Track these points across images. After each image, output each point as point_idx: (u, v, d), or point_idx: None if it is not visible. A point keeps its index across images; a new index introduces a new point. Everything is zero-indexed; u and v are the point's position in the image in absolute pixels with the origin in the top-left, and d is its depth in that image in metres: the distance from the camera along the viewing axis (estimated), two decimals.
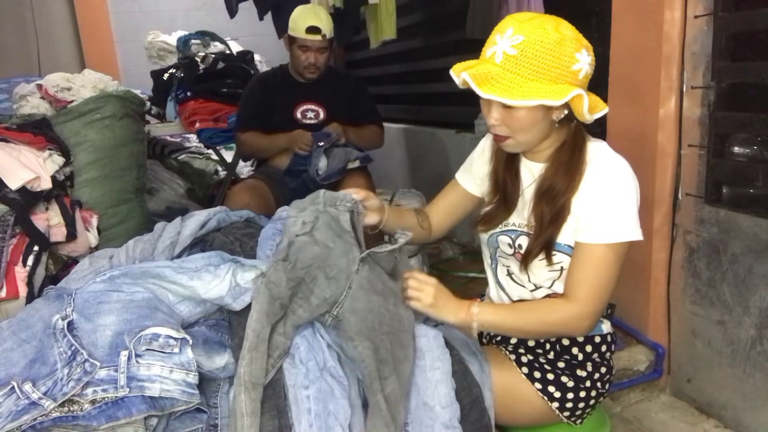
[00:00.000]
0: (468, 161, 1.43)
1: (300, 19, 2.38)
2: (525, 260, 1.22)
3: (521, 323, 1.18)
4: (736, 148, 1.60)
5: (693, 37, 1.64)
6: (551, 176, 1.19)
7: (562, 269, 1.21)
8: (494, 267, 1.34)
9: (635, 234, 1.15)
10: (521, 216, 1.25)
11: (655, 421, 1.73)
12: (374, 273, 1.14)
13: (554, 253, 1.20)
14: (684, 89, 1.68)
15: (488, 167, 1.34)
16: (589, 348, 1.26)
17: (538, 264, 1.22)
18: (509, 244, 1.27)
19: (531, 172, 1.24)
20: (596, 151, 1.20)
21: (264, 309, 1.03)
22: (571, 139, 1.19)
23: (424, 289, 1.14)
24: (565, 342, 1.26)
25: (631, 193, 1.16)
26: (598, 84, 1.97)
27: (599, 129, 1.98)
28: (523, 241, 1.23)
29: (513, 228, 1.26)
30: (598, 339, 1.27)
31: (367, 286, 1.11)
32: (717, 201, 1.64)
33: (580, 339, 1.26)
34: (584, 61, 1.07)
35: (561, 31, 1.06)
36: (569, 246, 1.19)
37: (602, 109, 1.12)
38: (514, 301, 1.30)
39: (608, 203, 1.14)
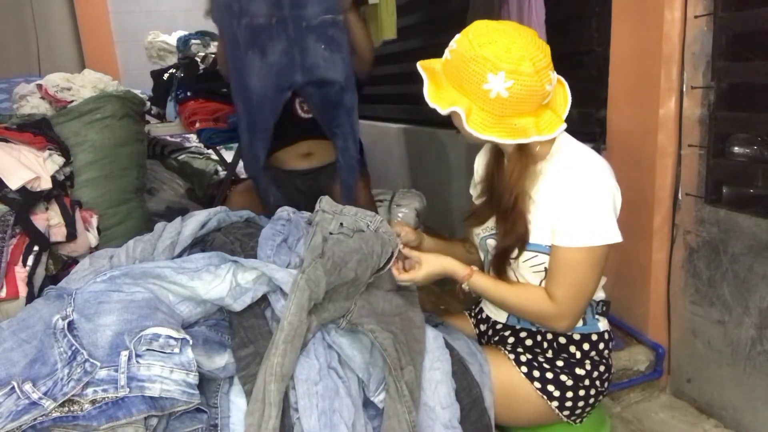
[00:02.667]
0: (473, 179, 1.45)
1: None
2: (500, 258, 1.26)
3: (504, 302, 1.26)
4: (736, 148, 1.60)
5: (693, 37, 1.63)
6: (505, 182, 1.23)
7: (546, 270, 1.23)
8: (488, 269, 1.36)
9: (611, 237, 1.15)
10: None
11: (655, 421, 1.73)
12: (383, 282, 1.22)
13: (527, 251, 1.23)
14: (684, 89, 1.68)
15: (483, 171, 1.38)
16: (586, 346, 1.27)
17: (523, 266, 1.24)
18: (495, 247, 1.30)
19: None
20: (568, 154, 1.21)
21: (303, 305, 1.05)
22: (520, 145, 1.20)
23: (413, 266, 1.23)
24: (562, 340, 1.27)
25: (606, 194, 1.16)
26: (598, 84, 1.98)
27: (599, 129, 1.98)
28: None
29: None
30: (595, 337, 1.28)
31: (379, 294, 1.19)
32: (717, 201, 1.64)
33: (577, 337, 1.27)
34: (497, 83, 1.07)
35: (480, 50, 1.08)
36: (547, 246, 1.21)
37: (517, 136, 1.11)
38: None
39: (582, 205, 1.15)
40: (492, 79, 1.07)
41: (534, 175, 1.21)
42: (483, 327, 1.43)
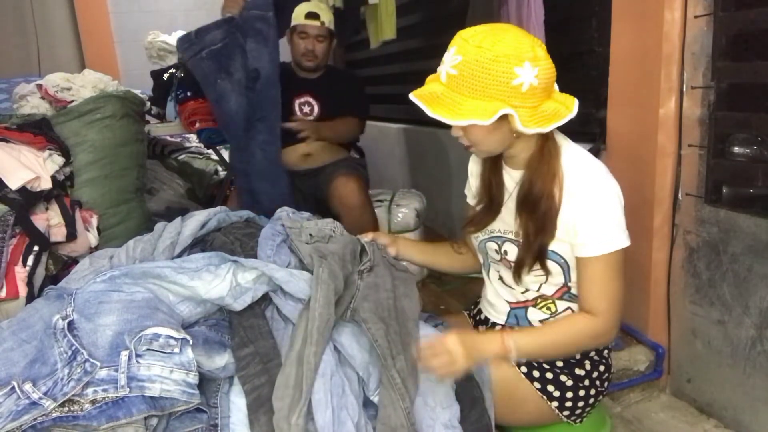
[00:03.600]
0: (468, 181, 1.44)
1: (300, 8, 2.45)
2: (518, 270, 1.24)
3: (556, 347, 1.19)
4: (736, 148, 1.60)
5: (693, 37, 1.64)
6: (528, 185, 1.19)
7: (547, 275, 1.23)
8: (487, 271, 1.37)
9: (627, 239, 1.17)
10: (506, 222, 1.27)
11: (655, 421, 1.73)
12: (380, 273, 1.22)
13: (547, 260, 1.21)
14: (684, 89, 1.68)
15: (478, 173, 1.37)
16: None
17: (524, 271, 1.24)
18: (496, 250, 1.30)
19: (512, 179, 1.26)
20: (573, 156, 1.20)
21: (329, 297, 1.08)
22: (542, 145, 1.18)
23: (448, 354, 1.08)
24: None
25: (618, 199, 1.17)
26: (598, 84, 1.98)
27: (599, 129, 1.98)
28: (509, 247, 1.26)
29: (498, 234, 1.28)
30: None
31: (374, 285, 1.19)
32: (717, 201, 1.64)
33: None
34: (526, 74, 1.04)
35: (496, 49, 1.04)
36: (557, 253, 1.21)
37: (557, 120, 1.10)
38: (533, 322, 1.30)
39: (602, 211, 1.15)
40: (520, 72, 1.04)
41: (559, 169, 1.18)
42: (482, 328, 1.43)
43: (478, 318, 1.45)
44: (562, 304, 1.27)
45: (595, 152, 1.97)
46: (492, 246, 1.30)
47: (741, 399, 1.60)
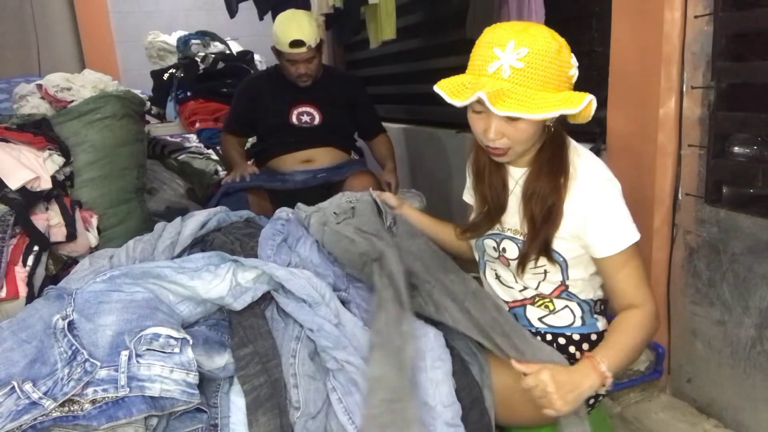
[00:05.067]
0: (467, 184, 1.45)
1: (282, 34, 2.29)
2: (522, 264, 1.23)
3: (635, 350, 1.17)
4: (736, 148, 1.60)
5: (693, 37, 1.64)
6: (535, 178, 1.20)
7: (545, 272, 1.24)
8: (483, 270, 1.37)
9: (637, 232, 1.20)
10: (504, 220, 1.27)
11: (655, 421, 1.73)
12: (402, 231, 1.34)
13: (552, 253, 1.21)
14: (684, 89, 1.68)
15: (476, 179, 1.36)
16: (585, 346, 1.27)
17: (529, 267, 1.24)
18: (494, 248, 1.29)
19: (513, 178, 1.27)
20: (578, 152, 1.22)
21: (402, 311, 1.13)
22: (550, 140, 1.20)
23: (547, 395, 1.05)
24: (562, 341, 1.27)
25: (620, 191, 1.20)
26: (598, 84, 1.98)
27: (599, 129, 1.98)
28: (507, 245, 1.26)
29: (497, 232, 1.28)
30: (594, 337, 1.28)
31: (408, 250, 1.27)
32: (717, 201, 1.64)
33: (576, 337, 1.27)
34: (575, 65, 1.11)
35: (557, 39, 1.07)
36: (556, 251, 1.21)
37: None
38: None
39: (614, 210, 1.17)
40: (574, 62, 1.10)
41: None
42: None
43: None
44: (559, 303, 1.27)
45: (595, 152, 1.96)
46: (490, 243, 1.30)
47: (741, 399, 1.60)
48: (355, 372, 1.06)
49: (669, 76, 1.68)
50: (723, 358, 1.64)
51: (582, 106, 1.05)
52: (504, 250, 1.27)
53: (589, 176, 1.18)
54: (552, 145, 1.19)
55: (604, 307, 1.31)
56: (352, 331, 1.12)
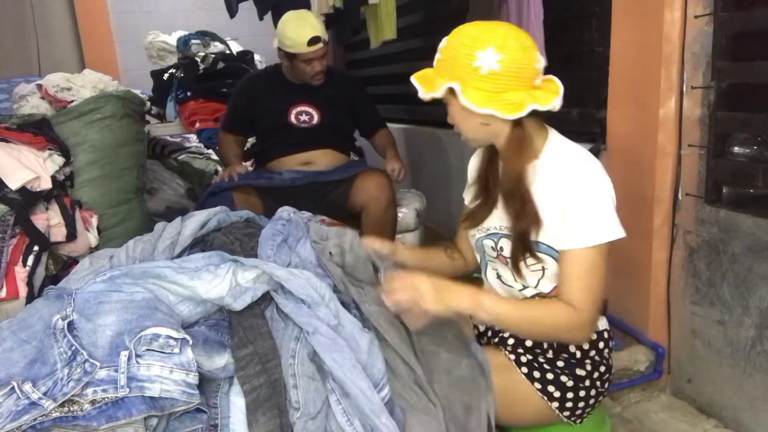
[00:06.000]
0: (468, 184, 1.45)
1: (297, 35, 2.27)
2: (515, 264, 1.24)
3: (527, 324, 1.17)
4: (736, 148, 1.60)
5: (693, 37, 1.64)
6: (502, 172, 1.24)
7: (543, 269, 1.23)
8: (485, 270, 1.37)
9: (616, 232, 1.15)
10: (501, 218, 1.27)
11: (655, 421, 1.73)
12: None
13: (536, 250, 1.21)
14: (684, 89, 1.68)
15: (476, 173, 1.39)
16: (586, 345, 1.27)
17: (522, 264, 1.24)
18: (492, 247, 1.30)
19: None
20: (558, 147, 1.22)
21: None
22: (512, 133, 1.20)
23: (415, 291, 1.10)
24: None
25: (605, 189, 1.17)
26: (598, 84, 1.98)
27: (599, 129, 1.98)
28: (505, 244, 1.26)
29: (494, 231, 1.29)
30: (594, 336, 1.27)
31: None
32: (717, 201, 1.64)
33: None
34: (487, 58, 1.10)
35: (469, 34, 1.14)
36: (547, 246, 1.20)
37: (516, 110, 1.11)
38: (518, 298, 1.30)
39: (586, 204, 1.15)
40: (481, 55, 1.10)
41: (532, 156, 1.20)
42: (482, 328, 1.43)
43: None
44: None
45: (595, 152, 1.97)
46: (488, 243, 1.30)
47: (741, 399, 1.60)
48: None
49: (669, 76, 1.68)
50: (723, 358, 1.64)
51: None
52: (502, 249, 1.27)
53: (567, 171, 1.17)
54: (513, 139, 1.20)
55: (604, 307, 1.31)
56: (351, 332, 1.12)
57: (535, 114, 1.15)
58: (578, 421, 1.28)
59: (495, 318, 1.15)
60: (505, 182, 1.21)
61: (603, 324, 1.30)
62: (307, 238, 1.37)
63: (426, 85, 1.16)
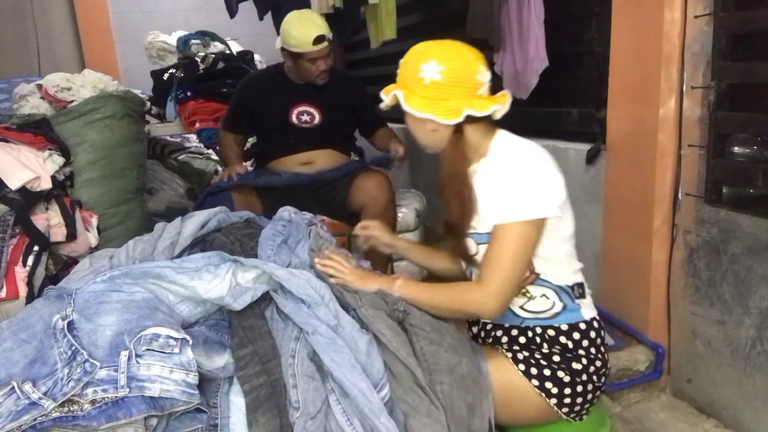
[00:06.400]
0: None
1: (302, 34, 2.26)
2: (452, 236, 1.33)
3: (438, 298, 1.27)
4: (736, 148, 1.60)
5: (693, 37, 1.64)
6: (443, 167, 1.32)
7: None
8: (470, 274, 1.41)
9: (540, 211, 1.20)
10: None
11: (655, 421, 1.73)
12: None
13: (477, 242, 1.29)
14: (684, 89, 1.68)
15: None
16: (576, 335, 1.28)
17: (478, 259, 1.30)
18: None
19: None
20: (503, 144, 1.29)
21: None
22: (451, 138, 1.28)
23: (341, 265, 1.29)
24: (551, 333, 1.28)
25: (536, 171, 1.23)
26: (598, 84, 1.98)
27: (599, 129, 1.98)
28: (469, 243, 1.31)
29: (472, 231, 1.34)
30: (583, 326, 1.29)
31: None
32: (717, 201, 1.64)
33: (564, 327, 1.28)
34: (429, 69, 1.22)
35: (417, 49, 1.27)
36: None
37: (452, 115, 1.22)
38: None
39: (513, 182, 1.22)
40: (425, 66, 1.22)
41: (473, 158, 1.30)
42: (474, 329, 1.43)
43: (470, 320, 1.46)
44: (535, 290, 1.29)
45: (595, 152, 1.97)
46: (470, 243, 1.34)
47: (741, 399, 1.60)
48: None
49: (669, 76, 1.68)
50: (723, 358, 1.64)
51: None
52: (467, 248, 1.32)
53: (503, 161, 1.26)
54: (450, 142, 1.28)
55: (583, 291, 1.32)
56: (350, 333, 1.12)
57: (485, 120, 1.26)
58: (577, 418, 1.28)
59: (409, 295, 1.26)
60: (445, 182, 1.31)
61: (589, 312, 1.31)
62: (307, 240, 1.37)
63: (384, 94, 1.30)
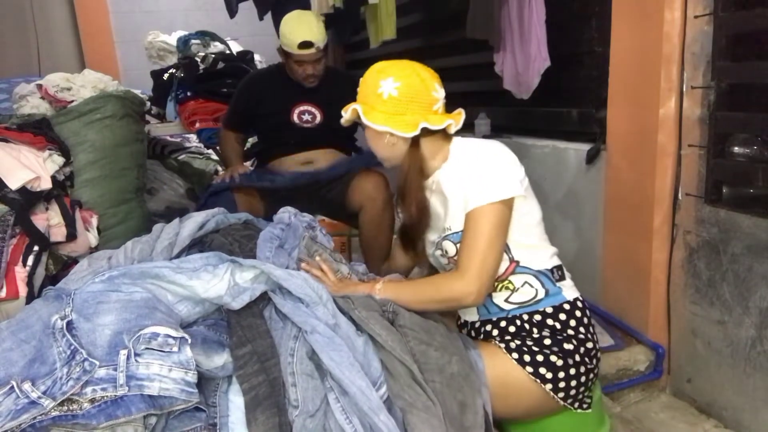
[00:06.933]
0: None
1: (291, 35, 2.26)
2: (409, 237, 1.42)
3: (418, 291, 1.30)
4: (736, 148, 1.60)
5: (693, 37, 1.64)
6: (400, 176, 1.38)
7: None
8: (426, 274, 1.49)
9: (508, 191, 1.25)
10: (435, 226, 1.40)
11: (655, 421, 1.73)
12: None
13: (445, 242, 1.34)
14: (684, 89, 1.68)
15: None
16: (562, 316, 1.30)
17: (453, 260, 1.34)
18: (441, 255, 1.40)
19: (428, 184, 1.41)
20: (458, 143, 1.37)
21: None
22: (409, 150, 1.35)
23: (324, 274, 1.33)
24: (538, 317, 1.30)
25: (498, 157, 1.30)
26: (598, 84, 1.98)
27: (599, 129, 1.98)
28: (447, 246, 1.35)
29: (436, 239, 1.40)
30: (567, 306, 1.32)
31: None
32: (717, 201, 1.64)
33: (549, 310, 1.31)
34: (386, 85, 1.31)
35: (374, 68, 1.36)
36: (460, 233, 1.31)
37: (408, 128, 1.30)
38: None
39: (478, 170, 1.27)
40: (383, 83, 1.31)
41: (435, 165, 1.36)
42: (464, 331, 1.44)
43: (458, 323, 1.47)
44: (517, 279, 1.31)
45: (595, 152, 1.97)
46: (438, 253, 1.40)
47: (741, 399, 1.60)
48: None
49: (669, 76, 1.68)
50: (723, 358, 1.64)
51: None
52: (446, 252, 1.36)
53: (463, 158, 1.32)
54: (407, 153, 1.35)
55: (562, 273, 1.35)
56: (347, 333, 1.12)
57: (440, 134, 1.34)
58: (576, 404, 1.28)
59: (391, 295, 1.28)
60: (404, 191, 1.38)
61: (571, 293, 1.34)
62: (301, 249, 1.38)
63: (353, 111, 1.37)
